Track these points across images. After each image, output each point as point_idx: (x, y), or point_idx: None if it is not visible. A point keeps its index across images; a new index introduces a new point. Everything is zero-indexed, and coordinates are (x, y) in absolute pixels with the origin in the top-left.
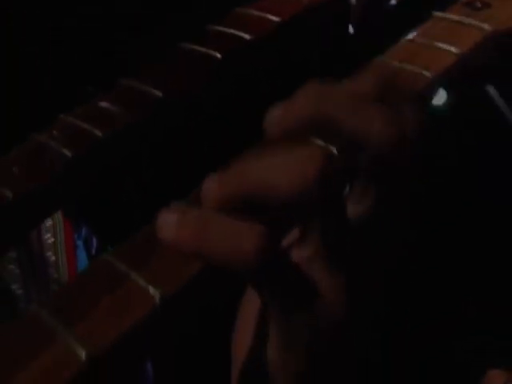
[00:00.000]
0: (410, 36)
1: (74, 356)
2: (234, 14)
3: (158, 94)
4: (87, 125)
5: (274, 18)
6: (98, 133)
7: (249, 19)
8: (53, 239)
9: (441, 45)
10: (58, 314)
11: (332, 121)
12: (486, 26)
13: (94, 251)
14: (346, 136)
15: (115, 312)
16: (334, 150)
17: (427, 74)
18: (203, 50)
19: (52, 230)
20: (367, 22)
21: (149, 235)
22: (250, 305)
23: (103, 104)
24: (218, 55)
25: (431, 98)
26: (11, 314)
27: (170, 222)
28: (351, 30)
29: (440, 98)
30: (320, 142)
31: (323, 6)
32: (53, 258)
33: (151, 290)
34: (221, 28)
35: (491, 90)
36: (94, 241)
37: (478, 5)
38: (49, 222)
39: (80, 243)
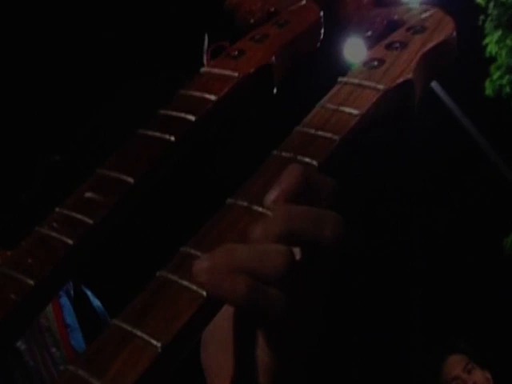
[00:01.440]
0: (322, 102)
1: None
2: (177, 96)
3: (130, 180)
4: (78, 215)
5: (212, 97)
6: (89, 220)
7: (190, 100)
8: None
9: (345, 109)
10: (91, 369)
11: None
12: (381, 87)
13: (72, 293)
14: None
15: (130, 363)
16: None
17: (336, 137)
18: (158, 134)
19: None
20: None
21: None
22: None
23: (87, 194)
24: (172, 138)
25: (342, 157)
26: (20, 368)
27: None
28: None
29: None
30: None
31: (250, 80)
32: None
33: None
34: (169, 112)
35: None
36: (70, 284)
37: (375, 63)
38: None
39: (62, 293)
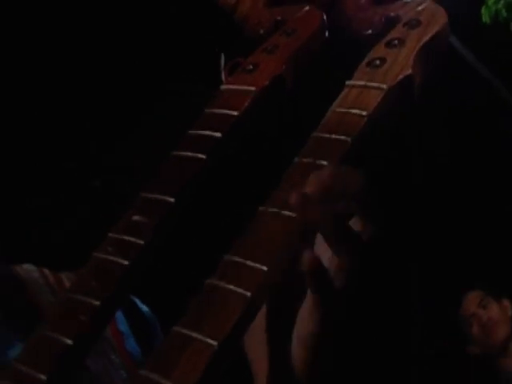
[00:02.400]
0: (333, 107)
1: None
2: (202, 115)
3: (171, 200)
4: (130, 237)
5: (233, 113)
6: (140, 241)
7: (214, 117)
8: None
9: (355, 111)
10: (159, 371)
11: None
12: (384, 86)
13: None
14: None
15: (192, 362)
16: None
17: (348, 139)
18: (190, 154)
19: None
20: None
21: None
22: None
23: (135, 217)
24: (203, 156)
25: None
26: (87, 378)
27: None
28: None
29: None
30: None
31: (266, 92)
32: None
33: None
34: (197, 132)
35: None
36: None
37: (378, 62)
38: None
39: None
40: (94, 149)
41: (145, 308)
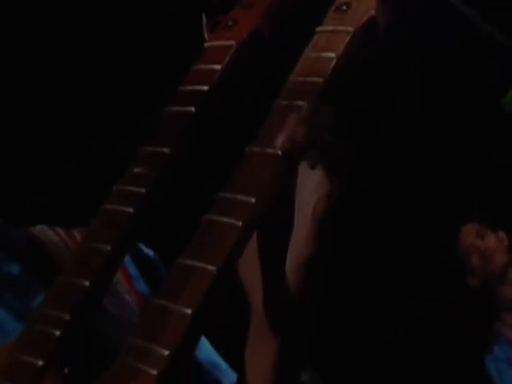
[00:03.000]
0: (305, 52)
1: None
2: (190, 72)
3: (167, 151)
4: (134, 187)
5: (217, 67)
6: (143, 190)
7: (200, 73)
8: None
9: (325, 54)
10: (168, 298)
11: None
12: (350, 29)
13: None
14: None
15: (196, 287)
16: None
17: (320, 79)
18: (180, 108)
19: None
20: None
21: None
22: None
23: (135, 169)
24: (193, 109)
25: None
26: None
27: None
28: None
29: None
30: None
31: (246, 46)
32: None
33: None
34: (185, 87)
35: None
36: None
37: (344, 8)
38: None
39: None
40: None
41: (150, 251)
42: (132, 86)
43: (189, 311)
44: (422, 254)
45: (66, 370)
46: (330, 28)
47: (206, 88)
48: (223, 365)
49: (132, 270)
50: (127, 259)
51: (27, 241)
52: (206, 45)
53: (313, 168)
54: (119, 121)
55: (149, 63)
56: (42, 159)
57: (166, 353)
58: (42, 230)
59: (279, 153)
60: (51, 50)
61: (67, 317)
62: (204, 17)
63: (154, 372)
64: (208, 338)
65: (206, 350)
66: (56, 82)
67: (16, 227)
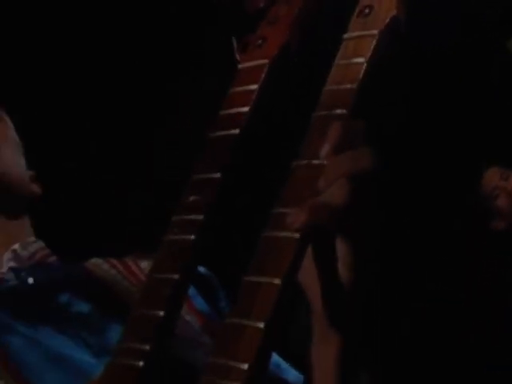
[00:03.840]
0: (336, 61)
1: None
2: (227, 95)
3: (218, 175)
4: (192, 216)
5: (254, 87)
6: (200, 217)
7: (237, 95)
8: None
9: (354, 60)
10: (240, 315)
11: None
12: (375, 31)
13: None
14: None
15: (265, 300)
16: None
17: (354, 86)
18: (224, 132)
19: None
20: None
21: None
22: None
23: (190, 198)
24: (237, 131)
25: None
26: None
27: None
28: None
29: None
30: None
31: (277, 62)
32: None
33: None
34: (225, 111)
35: None
36: None
37: (367, 11)
38: None
39: None
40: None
41: (202, 269)
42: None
43: (261, 325)
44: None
45: None
46: (355, 34)
47: (246, 109)
48: (282, 363)
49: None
50: None
51: (86, 277)
52: (240, 66)
53: None
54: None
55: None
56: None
57: (245, 366)
58: (97, 265)
59: (325, 163)
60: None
61: (147, 347)
62: (234, 39)
63: None
64: None
65: None
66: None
67: (73, 264)
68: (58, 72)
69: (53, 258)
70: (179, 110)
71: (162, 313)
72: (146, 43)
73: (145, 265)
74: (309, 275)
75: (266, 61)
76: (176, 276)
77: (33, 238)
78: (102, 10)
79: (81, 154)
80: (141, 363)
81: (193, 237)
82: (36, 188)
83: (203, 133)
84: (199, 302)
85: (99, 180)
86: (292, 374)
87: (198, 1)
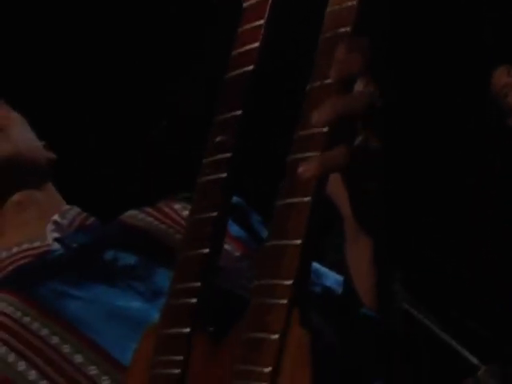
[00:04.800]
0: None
1: None
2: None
3: (239, 112)
4: (220, 155)
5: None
6: (228, 155)
7: (245, 33)
8: None
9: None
10: (277, 237)
11: None
12: None
13: None
14: None
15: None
16: None
17: (354, 3)
18: (239, 71)
19: None
20: None
21: None
22: None
23: (217, 138)
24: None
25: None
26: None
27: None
28: None
29: None
30: None
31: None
32: None
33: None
34: (237, 50)
35: None
36: None
37: None
38: None
39: None
40: None
41: (235, 199)
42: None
43: (298, 241)
44: None
45: (211, 329)
46: None
47: (256, 45)
48: (321, 269)
49: None
50: None
51: (126, 230)
52: (245, 5)
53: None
54: None
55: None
56: None
57: (289, 282)
58: (133, 216)
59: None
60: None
61: (198, 284)
62: None
63: (284, 301)
64: None
65: None
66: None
67: (110, 221)
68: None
69: (91, 220)
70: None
71: (206, 250)
72: (146, 43)
73: (178, 206)
74: (336, 187)
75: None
76: (214, 213)
77: (68, 206)
78: (102, 10)
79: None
80: (194, 300)
81: (224, 175)
82: (51, 155)
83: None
84: (235, 230)
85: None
86: (332, 277)
87: (197, 1)
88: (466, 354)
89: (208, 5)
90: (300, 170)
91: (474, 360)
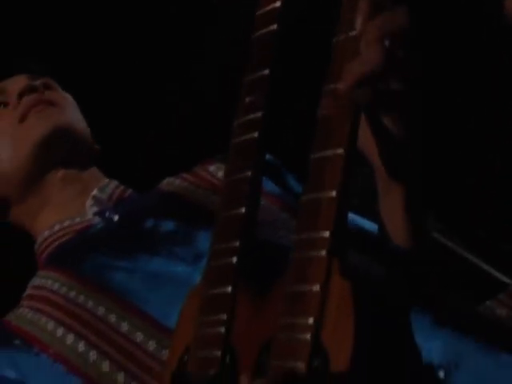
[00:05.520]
0: None
1: None
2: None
3: (266, 72)
4: (251, 115)
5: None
6: (259, 114)
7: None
8: None
9: None
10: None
11: None
12: None
13: None
14: None
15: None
16: None
17: None
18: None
19: None
20: None
21: None
22: None
23: (247, 99)
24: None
25: None
26: None
27: None
28: None
29: None
30: None
31: None
32: None
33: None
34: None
35: None
36: None
37: None
38: None
39: None
40: None
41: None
42: None
43: (333, 193)
44: None
45: (254, 285)
46: None
47: (279, 4)
48: (356, 217)
49: None
50: None
51: (164, 198)
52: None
53: None
54: None
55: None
56: None
57: (327, 234)
58: (169, 183)
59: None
60: None
61: (237, 244)
62: None
63: (323, 253)
64: None
65: None
66: None
67: (148, 191)
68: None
69: (129, 192)
70: None
71: (244, 209)
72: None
73: (213, 168)
74: (365, 139)
75: None
76: (249, 173)
77: (107, 180)
78: (102, 10)
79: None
80: (235, 259)
81: (256, 134)
82: (96, 145)
83: None
84: (270, 186)
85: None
86: (367, 223)
87: (197, 1)
88: (499, 274)
89: (208, 5)
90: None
91: (505, 279)
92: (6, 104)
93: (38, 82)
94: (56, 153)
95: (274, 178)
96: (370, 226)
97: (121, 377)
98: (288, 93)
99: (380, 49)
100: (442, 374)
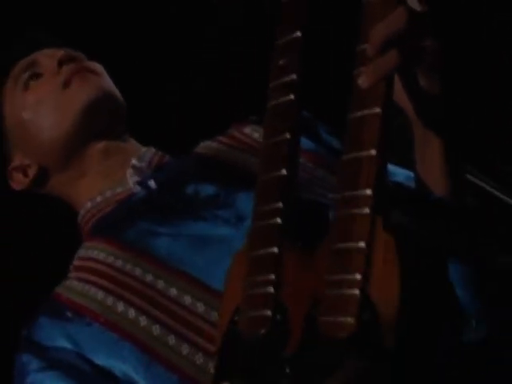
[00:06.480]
0: None
1: None
2: None
3: (298, 34)
4: (286, 77)
5: None
6: (294, 76)
7: None
8: None
9: None
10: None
11: None
12: None
13: None
14: None
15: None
16: None
17: None
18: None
19: None
20: None
21: None
22: None
23: (280, 62)
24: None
25: None
26: None
27: None
28: None
29: None
30: None
31: None
32: None
33: None
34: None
35: None
36: None
37: None
38: None
39: None
40: None
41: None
42: None
43: (373, 152)
44: None
45: (299, 244)
46: None
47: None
48: (391, 167)
49: None
50: None
51: (202, 162)
52: None
53: None
54: None
55: None
56: None
57: (369, 192)
58: (206, 147)
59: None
60: None
61: (280, 205)
62: None
63: (366, 210)
64: None
65: None
66: None
67: (186, 156)
68: None
69: (167, 158)
70: None
71: (284, 171)
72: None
73: (248, 130)
74: (401, 93)
75: None
76: (288, 135)
77: (144, 148)
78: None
79: None
80: (278, 220)
81: (292, 96)
82: None
83: None
84: (305, 143)
85: None
86: (402, 174)
87: (197, 1)
88: None
89: (208, 5)
90: (359, 82)
91: None
92: (38, 75)
93: (75, 53)
94: (99, 120)
95: (308, 133)
96: (405, 174)
97: (172, 339)
98: (321, 53)
99: (403, 10)
100: (473, 323)
